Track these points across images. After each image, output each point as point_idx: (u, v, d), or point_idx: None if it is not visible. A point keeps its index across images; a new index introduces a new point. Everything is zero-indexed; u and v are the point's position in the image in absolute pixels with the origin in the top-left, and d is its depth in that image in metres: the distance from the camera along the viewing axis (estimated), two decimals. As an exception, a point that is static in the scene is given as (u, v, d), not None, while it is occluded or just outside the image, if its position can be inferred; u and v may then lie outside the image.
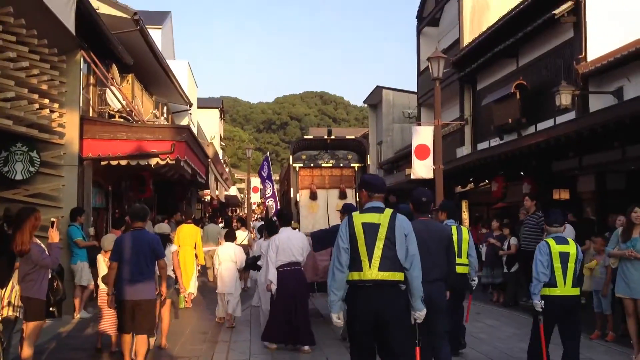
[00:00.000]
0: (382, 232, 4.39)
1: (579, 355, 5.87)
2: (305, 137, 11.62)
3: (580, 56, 13.36)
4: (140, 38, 15.10)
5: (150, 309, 6.18)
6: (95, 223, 11.32)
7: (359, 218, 4.49)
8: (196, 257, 11.97)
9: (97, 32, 11.57)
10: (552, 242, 5.78)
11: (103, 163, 10.47)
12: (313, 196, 10.85)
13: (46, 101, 9.12)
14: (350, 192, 10.94)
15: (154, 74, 17.61)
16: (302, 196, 10.92)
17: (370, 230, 4.40)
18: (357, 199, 9.73)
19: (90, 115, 11.70)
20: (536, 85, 15.21)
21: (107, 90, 13.25)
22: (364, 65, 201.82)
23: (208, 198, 27.72)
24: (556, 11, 13.52)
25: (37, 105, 8.78)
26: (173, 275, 7.79)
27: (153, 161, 10.40)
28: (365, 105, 35.39)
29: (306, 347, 7.42)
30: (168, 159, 10.31)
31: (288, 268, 7.53)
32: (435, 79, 13.47)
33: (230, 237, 9.87)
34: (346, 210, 7.32)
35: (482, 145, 18.52)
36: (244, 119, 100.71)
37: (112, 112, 13.06)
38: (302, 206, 10.88)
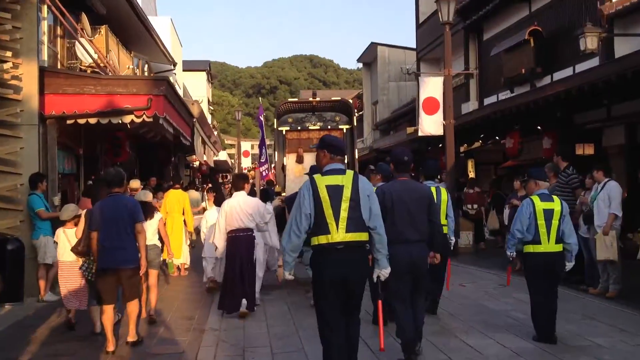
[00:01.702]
0: (347, 194, 4.34)
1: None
2: (290, 99, 11.70)
3: (605, -5, 11.96)
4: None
5: (135, 276, 5.96)
6: (62, 192, 9.95)
7: (322, 181, 4.41)
8: (185, 224, 10.81)
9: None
10: (536, 199, 5.77)
11: (69, 122, 9.06)
12: (300, 159, 10.65)
13: (-6, 48, 7.69)
14: None
15: (131, 28, 16.04)
16: (289, 160, 10.65)
17: (335, 192, 4.35)
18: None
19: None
20: (552, 31, 13.85)
21: (77, 42, 11.78)
22: (354, 26, 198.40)
23: (197, 164, 26.38)
24: (577, -55, 12.11)
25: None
26: (160, 245, 7.40)
27: (127, 119, 8.99)
28: (359, 65, 34.04)
29: (243, 309, 7.19)
30: (144, 116, 8.90)
31: (235, 234, 7.30)
32: (444, 24, 12.15)
33: (219, 201, 9.26)
34: (379, 171, 7.08)
35: (489, 100, 17.20)
36: (232, 83, 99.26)
37: (83, 68, 11.62)
38: (288, 170, 10.60)
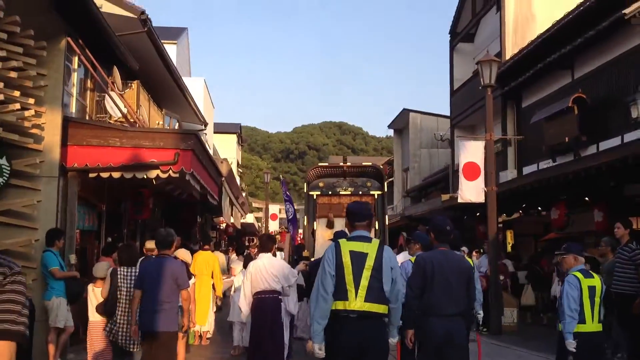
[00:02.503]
0: (370, 262, 4.27)
1: None
2: (321, 164, 11.65)
3: (657, 62, 11.41)
4: (148, 42, 13.46)
5: (170, 342, 5.80)
6: (81, 249, 9.41)
7: (346, 246, 4.36)
8: (213, 288, 10.16)
9: (95, 27, 9.88)
10: (580, 275, 5.50)
11: (92, 175, 8.59)
12: (330, 224, 10.43)
13: (16, 94, 7.31)
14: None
15: (164, 85, 15.92)
16: (319, 224, 10.59)
17: (358, 259, 4.28)
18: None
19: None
20: (598, 98, 13.25)
21: (107, 96, 11.52)
22: (383, 94, 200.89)
23: (224, 225, 25.87)
24: (626, 10, 11.61)
25: (1, 97, 6.98)
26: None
27: (153, 174, 8.50)
28: (388, 133, 33.85)
29: None
30: (171, 171, 8.39)
31: (262, 296, 7.08)
32: (486, 86, 11.61)
33: (247, 264, 8.76)
34: (418, 239, 6.94)
35: (528, 169, 16.51)
36: (262, 148, 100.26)
37: (112, 122, 11.31)
38: (318, 235, 10.48)
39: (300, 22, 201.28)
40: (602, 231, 11.36)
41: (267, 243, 7.53)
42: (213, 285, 10.15)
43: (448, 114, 26.20)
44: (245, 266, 9.23)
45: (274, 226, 30.89)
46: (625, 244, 8.02)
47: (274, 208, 30.00)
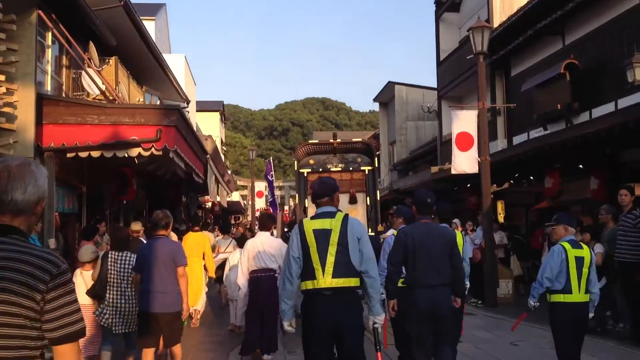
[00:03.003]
0: (334, 238, 4.25)
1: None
2: (310, 141, 11.47)
3: (652, 24, 11.09)
4: (126, 17, 12.92)
5: (175, 321, 5.90)
6: (60, 233, 8.97)
7: (309, 224, 4.37)
8: (205, 269, 9.89)
9: (71, 3, 9.38)
10: (567, 245, 5.45)
11: (70, 155, 8.16)
12: None
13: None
14: (360, 196, 10.69)
15: (143, 62, 15.40)
16: (310, 201, 9.71)
17: (322, 236, 4.27)
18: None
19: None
20: (590, 64, 12.94)
21: (83, 72, 11.01)
22: (366, 70, 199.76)
23: (209, 204, 25.46)
24: (620, -28, 11.30)
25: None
26: None
27: (134, 152, 8.07)
28: (371, 108, 33.50)
29: (265, 356, 7.05)
30: (153, 149, 7.97)
31: (258, 275, 7.07)
32: (478, 53, 11.26)
33: (241, 244, 9.12)
34: (401, 213, 6.93)
35: (518, 138, 16.24)
36: (245, 125, 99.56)
37: (89, 100, 10.82)
38: (310, 211, 10.28)
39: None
40: (597, 199, 11.15)
41: (267, 222, 7.47)
42: (204, 265, 9.85)
43: (434, 86, 25.93)
44: (240, 245, 9.35)
45: (260, 203, 30.55)
46: (629, 210, 7.78)
47: (259, 185, 29.59)
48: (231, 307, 9.36)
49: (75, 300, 2.10)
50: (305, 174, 10.98)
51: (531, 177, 14.03)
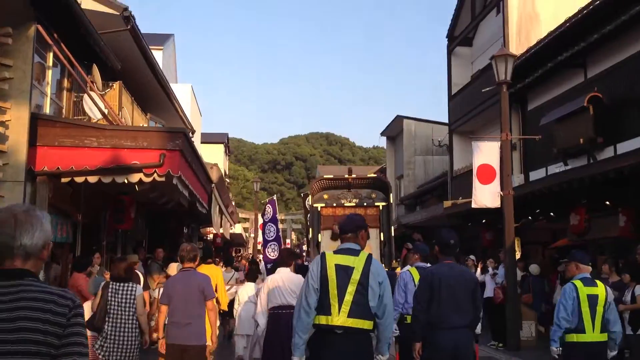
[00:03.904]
0: (356, 277, 4.12)
1: None
2: (325, 176, 11.39)
3: (682, 56, 10.56)
4: (132, 42, 12.45)
5: (203, 354, 5.97)
6: (51, 264, 8.27)
7: (332, 259, 4.24)
8: (217, 302, 9.30)
9: (70, 16, 8.87)
10: (579, 284, 5.35)
11: (65, 180, 7.52)
12: (335, 236, 10.31)
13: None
14: (374, 232, 10.45)
15: (148, 88, 14.91)
16: (324, 237, 10.64)
17: (343, 273, 4.13)
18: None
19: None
20: (614, 97, 12.39)
21: (85, 96, 10.46)
22: (369, 106, 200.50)
23: (211, 236, 24.76)
24: (648, 2, 10.79)
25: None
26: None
27: (135, 178, 7.43)
28: (374, 143, 33.08)
29: None
30: (155, 175, 7.34)
31: (278, 311, 6.81)
32: (501, 83, 10.70)
33: (252, 277, 9.29)
34: (418, 250, 6.82)
35: (535, 174, 15.63)
36: (248, 159, 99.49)
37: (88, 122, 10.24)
38: (323, 247, 10.45)
39: (285, 30, 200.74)
40: (625, 237, 10.48)
41: (288, 258, 7.30)
42: (217, 299, 9.27)
43: (441, 120, 25.49)
44: (249, 279, 9.47)
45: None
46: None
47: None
48: (238, 342, 9.12)
49: (86, 335, 2.20)
50: (319, 209, 10.89)
51: (551, 214, 13.36)
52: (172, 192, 9.01)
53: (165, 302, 5.96)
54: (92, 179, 7.41)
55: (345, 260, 4.20)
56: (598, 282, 5.50)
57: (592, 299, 5.26)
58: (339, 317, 4.08)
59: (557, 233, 15.57)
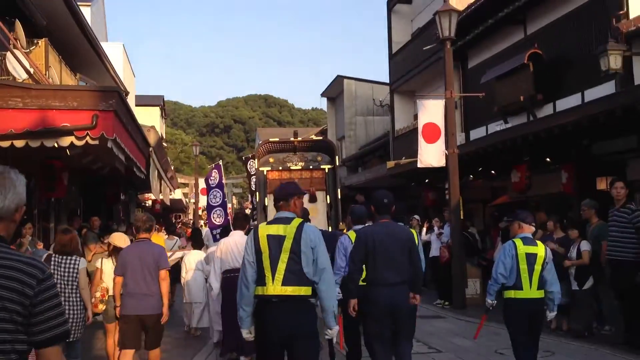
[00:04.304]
0: (287, 245, 4.19)
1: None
2: (271, 139, 11.22)
3: (621, 12, 10.65)
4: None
5: (159, 323, 6.04)
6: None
7: (264, 230, 4.33)
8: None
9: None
10: (519, 242, 5.52)
11: (-12, 145, 6.92)
12: None
13: None
14: (320, 195, 10.74)
15: (77, 46, 14.05)
16: (270, 200, 9.97)
17: (275, 242, 4.22)
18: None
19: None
20: (554, 54, 12.49)
21: (8, 54, 9.70)
22: (310, 66, 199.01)
23: (150, 202, 24.09)
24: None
25: None
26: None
27: (66, 141, 6.86)
28: (315, 104, 32.81)
29: (242, 358, 6.97)
30: (88, 138, 6.81)
31: (234, 274, 6.63)
32: (445, 39, 10.57)
33: (197, 244, 9.37)
34: (351, 213, 6.70)
35: (475, 132, 15.79)
36: (185, 122, 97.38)
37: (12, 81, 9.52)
38: (270, 210, 10.35)
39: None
40: (568, 193, 10.68)
41: (242, 221, 7.36)
42: None
43: (382, 80, 25.36)
44: (196, 243, 9.62)
45: (203, 201, 29.26)
46: (622, 205, 7.17)
47: (203, 182, 28.29)
48: (188, 309, 9.15)
49: (60, 303, 2.17)
50: (265, 172, 10.83)
51: (492, 172, 13.50)
52: (107, 157, 8.49)
53: (120, 273, 6.01)
54: (19, 143, 6.81)
55: (276, 229, 4.25)
56: (539, 242, 5.68)
57: (531, 258, 5.41)
58: (274, 287, 4.14)
59: (497, 190, 15.83)
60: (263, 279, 4.19)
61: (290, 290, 4.13)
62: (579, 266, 7.96)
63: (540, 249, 5.52)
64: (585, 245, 7.84)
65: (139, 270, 5.91)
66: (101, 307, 6.69)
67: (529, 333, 5.50)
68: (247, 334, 4.37)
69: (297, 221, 4.30)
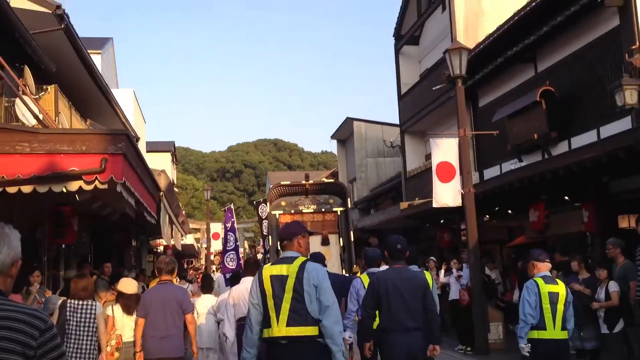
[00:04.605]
0: (290, 284, 4.15)
1: None
2: (283, 182, 11.26)
3: (634, 47, 10.53)
4: (67, 42, 11.69)
5: None
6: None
7: (267, 271, 4.30)
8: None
9: (1, 20, 8.17)
10: (540, 281, 5.47)
11: (-5, 191, 6.79)
12: None
13: None
14: (333, 237, 10.70)
15: (86, 92, 14.10)
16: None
17: (278, 283, 4.19)
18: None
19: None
20: (567, 91, 12.36)
21: (17, 100, 9.70)
22: (318, 110, 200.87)
23: (161, 248, 23.86)
24: (600, -7, 10.75)
25: None
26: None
27: (74, 186, 6.73)
28: (324, 148, 32.94)
29: None
30: (97, 182, 6.67)
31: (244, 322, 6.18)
32: (456, 77, 10.47)
33: (208, 288, 9.24)
34: (367, 258, 6.79)
35: (489, 171, 15.54)
36: (196, 168, 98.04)
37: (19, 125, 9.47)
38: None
39: (230, 35, 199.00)
40: (590, 231, 10.39)
41: (252, 267, 7.25)
42: None
43: (391, 121, 25.35)
44: (205, 288, 9.40)
45: (216, 245, 29.07)
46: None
47: (215, 227, 28.26)
48: (200, 356, 8.81)
49: (64, 354, 2.18)
50: (277, 216, 10.89)
51: (509, 211, 13.24)
52: (117, 201, 8.33)
53: (142, 315, 6.02)
54: (26, 189, 6.69)
55: (279, 269, 4.23)
56: (558, 280, 5.65)
57: (553, 297, 5.36)
58: (279, 328, 4.11)
59: (514, 231, 15.53)
60: (268, 321, 4.17)
61: (294, 331, 4.07)
62: (608, 308, 7.62)
63: (561, 288, 5.47)
64: (613, 286, 7.52)
65: (161, 312, 5.96)
66: (117, 355, 6.52)
67: None
68: None
69: (299, 260, 4.26)
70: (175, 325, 5.98)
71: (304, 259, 4.33)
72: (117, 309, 6.71)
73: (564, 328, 5.37)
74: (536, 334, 5.36)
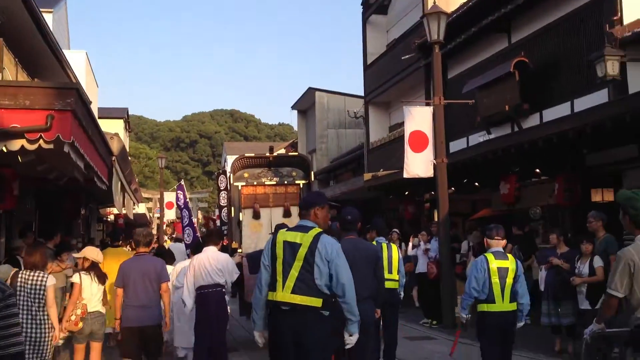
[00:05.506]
0: (302, 253, 4.22)
1: None
2: (246, 154, 11.27)
3: (615, 18, 10.22)
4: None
5: (159, 334, 6.39)
6: None
7: (282, 236, 4.38)
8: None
9: None
10: (490, 257, 5.70)
11: None
12: (256, 215, 10.72)
13: None
14: (294, 210, 10.61)
15: (35, 49, 12.99)
16: (245, 215, 10.80)
17: (290, 249, 4.26)
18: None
19: None
20: (542, 62, 12.03)
21: (-46, 51, 8.76)
22: (276, 82, 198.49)
23: (112, 217, 22.97)
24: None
25: None
26: (104, 313, 6.74)
27: (15, 144, 5.97)
28: (281, 119, 32.32)
29: None
30: (42, 141, 5.95)
31: (205, 290, 6.92)
32: (434, 42, 9.99)
33: (170, 258, 8.84)
34: (374, 226, 7.35)
35: (455, 143, 15.21)
36: (150, 137, 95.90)
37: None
38: (244, 226, 10.70)
39: (188, 2, 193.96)
40: (563, 205, 10.14)
41: (215, 237, 7.40)
42: None
43: (355, 92, 24.85)
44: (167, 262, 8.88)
45: (169, 215, 28.25)
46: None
47: (168, 196, 27.40)
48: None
49: (18, 324, 2.35)
50: (240, 187, 10.85)
51: (476, 184, 12.93)
52: (65, 164, 7.56)
53: (120, 285, 6.31)
54: (-39, 147, 5.93)
55: (293, 237, 4.27)
56: (509, 255, 5.83)
57: (502, 272, 5.59)
58: (283, 294, 4.15)
59: (478, 204, 15.33)
60: (275, 284, 4.24)
61: (298, 299, 4.13)
62: (591, 283, 7.33)
63: (511, 263, 5.67)
64: (598, 261, 7.23)
65: (140, 282, 6.23)
66: (81, 325, 6.39)
67: (501, 345, 5.63)
68: (258, 337, 4.44)
69: (315, 231, 4.31)
70: (154, 295, 6.29)
71: (320, 230, 4.36)
72: (86, 277, 6.55)
73: (512, 300, 5.60)
74: (486, 307, 5.61)
